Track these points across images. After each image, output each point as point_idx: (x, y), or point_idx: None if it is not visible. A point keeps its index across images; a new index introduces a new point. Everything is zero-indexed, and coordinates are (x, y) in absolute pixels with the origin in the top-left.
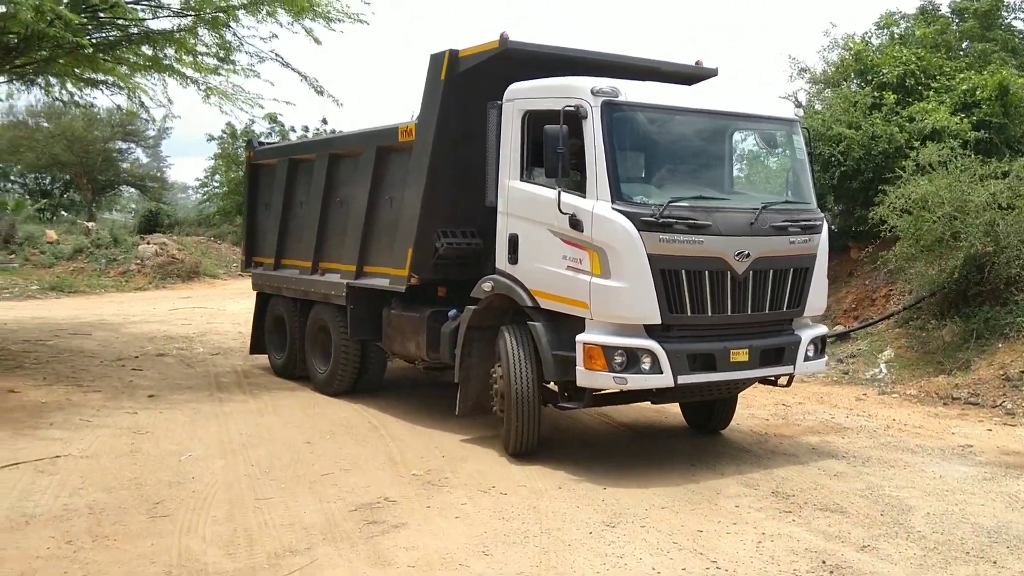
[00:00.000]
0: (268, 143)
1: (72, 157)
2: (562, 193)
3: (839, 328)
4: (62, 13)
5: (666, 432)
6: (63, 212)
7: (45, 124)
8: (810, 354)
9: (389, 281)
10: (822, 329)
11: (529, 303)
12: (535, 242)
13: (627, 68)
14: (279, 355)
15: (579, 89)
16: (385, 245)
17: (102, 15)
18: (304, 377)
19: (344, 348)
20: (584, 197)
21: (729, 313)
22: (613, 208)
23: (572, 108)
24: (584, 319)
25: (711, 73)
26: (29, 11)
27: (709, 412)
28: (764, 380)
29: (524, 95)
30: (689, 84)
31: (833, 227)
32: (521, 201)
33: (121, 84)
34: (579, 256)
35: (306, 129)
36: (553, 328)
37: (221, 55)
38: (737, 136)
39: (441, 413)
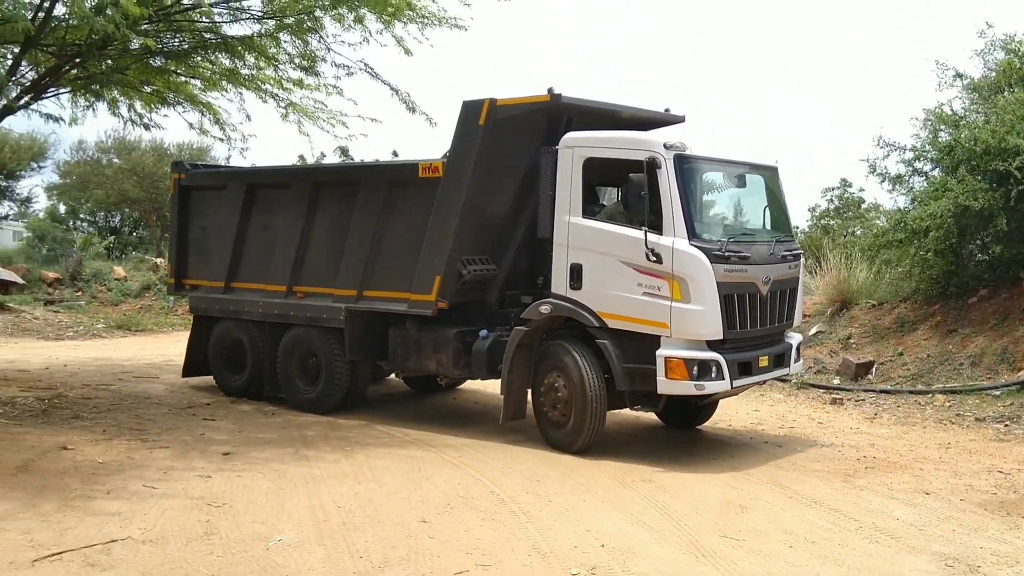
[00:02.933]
0: (200, 166)
1: (141, 193)
2: (648, 232)
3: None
4: (121, 2)
5: (643, 428)
6: (131, 249)
7: (116, 160)
8: (796, 358)
9: (407, 305)
10: (799, 337)
11: (596, 324)
12: (604, 271)
13: (620, 116)
14: (234, 377)
15: (653, 143)
16: (395, 271)
17: (176, 17)
18: (273, 398)
19: (337, 368)
20: (661, 235)
21: (758, 327)
22: (691, 244)
23: (648, 159)
24: (656, 336)
25: (679, 119)
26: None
27: (693, 412)
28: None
29: (586, 143)
30: (655, 128)
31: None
32: (586, 235)
33: (193, 102)
34: (657, 284)
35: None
36: (619, 345)
37: (305, 65)
38: (751, 181)
39: (552, 468)
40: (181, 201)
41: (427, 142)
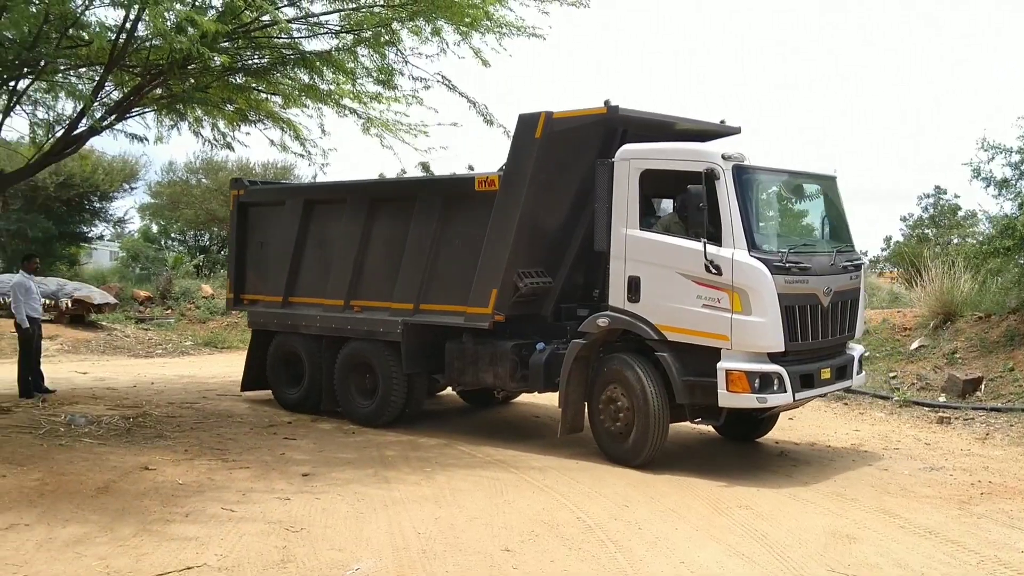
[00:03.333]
0: (258, 183)
1: (229, 211)
2: (706, 244)
3: None
4: (196, 19)
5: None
6: (220, 267)
7: (203, 180)
8: (858, 370)
9: (464, 319)
10: (861, 349)
11: (655, 337)
12: (662, 284)
13: (674, 128)
14: (292, 391)
15: (711, 154)
16: (452, 284)
17: (254, 33)
18: (330, 412)
19: (394, 381)
20: (720, 246)
21: (820, 339)
22: (751, 255)
23: (707, 170)
24: (715, 349)
25: (735, 131)
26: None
27: (754, 425)
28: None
29: (642, 155)
30: (712, 139)
31: None
32: (644, 248)
33: (273, 118)
34: (717, 296)
35: None
36: (678, 358)
37: (383, 78)
38: (809, 190)
39: (641, 493)
40: (240, 217)
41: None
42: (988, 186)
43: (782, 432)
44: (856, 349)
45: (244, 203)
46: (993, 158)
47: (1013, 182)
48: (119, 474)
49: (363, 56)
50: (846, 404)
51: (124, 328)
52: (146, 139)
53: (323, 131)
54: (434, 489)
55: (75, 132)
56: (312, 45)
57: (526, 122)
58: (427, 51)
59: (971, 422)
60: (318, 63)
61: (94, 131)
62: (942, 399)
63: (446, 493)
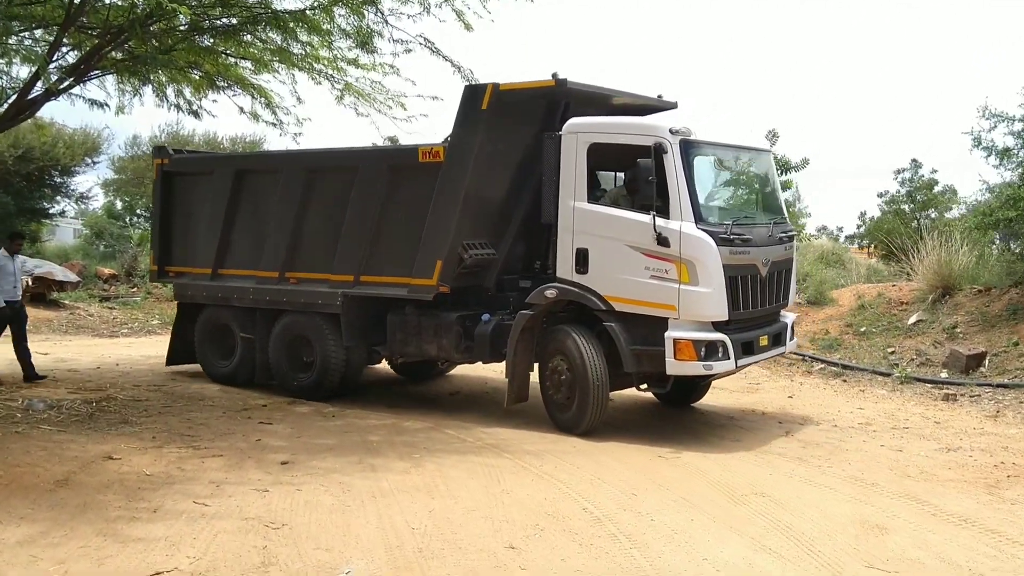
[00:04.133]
0: (184, 151)
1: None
2: (655, 217)
3: None
4: None
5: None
6: None
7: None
8: (791, 336)
9: (408, 290)
10: (793, 316)
11: (602, 307)
12: (610, 255)
13: (612, 101)
14: (223, 363)
15: (659, 128)
16: (394, 256)
17: None
18: (264, 385)
19: (333, 354)
20: (668, 219)
21: (759, 308)
22: (698, 228)
23: (655, 144)
24: (661, 319)
25: (672, 105)
26: None
27: (690, 389)
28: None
29: (590, 129)
30: (646, 114)
31: None
32: (592, 220)
33: (243, 85)
34: (664, 267)
35: None
36: (626, 328)
37: (361, 40)
38: (747, 164)
39: (647, 479)
40: (164, 187)
41: None
42: (989, 155)
43: (782, 410)
44: (788, 316)
45: (169, 172)
46: (995, 127)
47: (1016, 151)
48: (80, 465)
49: (340, 16)
50: (844, 381)
51: (88, 307)
52: (107, 105)
53: (298, 99)
54: (425, 478)
55: (29, 96)
56: (285, 3)
57: (473, 93)
58: (409, 11)
59: (978, 399)
60: (292, 23)
61: (50, 94)
62: (944, 375)
63: (438, 482)
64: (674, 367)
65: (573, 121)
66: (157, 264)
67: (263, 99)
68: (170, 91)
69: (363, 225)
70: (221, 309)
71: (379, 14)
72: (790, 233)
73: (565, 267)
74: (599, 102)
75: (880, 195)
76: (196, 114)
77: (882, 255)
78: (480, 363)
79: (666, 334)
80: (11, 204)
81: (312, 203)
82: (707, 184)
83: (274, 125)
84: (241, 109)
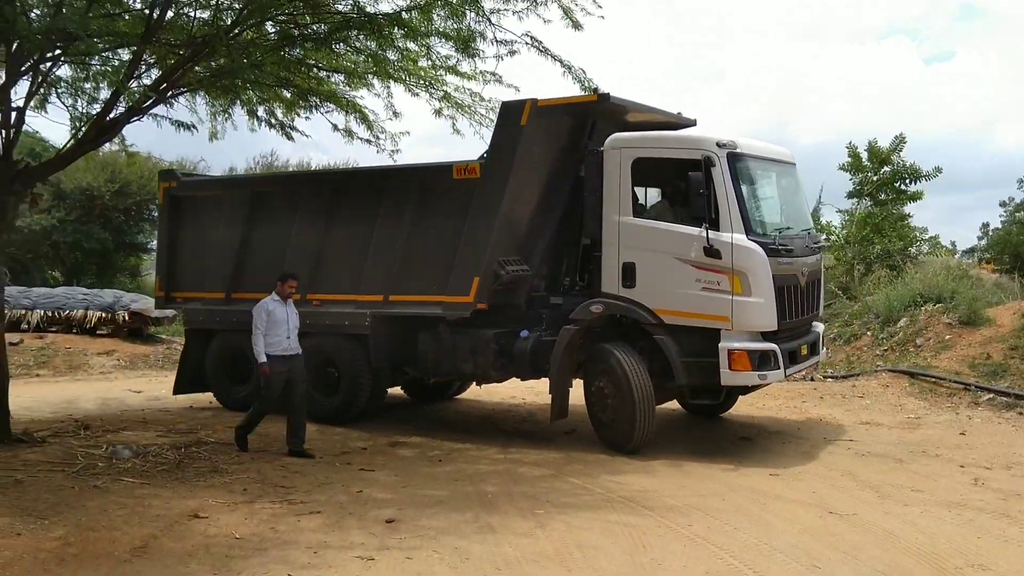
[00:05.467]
0: (191, 175)
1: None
2: (708, 229)
3: None
4: None
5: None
6: None
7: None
8: (823, 346)
9: (443, 308)
10: (822, 326)
11: (652, 320)
12: (659, 269)
13: (624, 117)
14: (238, 389)
15: (707, 142)
16: (426, 274)
17: None
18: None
19: (360, 376)
20: (718, 231)
21: (799, 317)
22: (749, 239)
23: (704, 158)
24: (711, 330)
25: (692, 123)
26: None
27: (723, 401)
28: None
29: (634, 144)
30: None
31: None
32: (639, 234)
33: (336, 101)
34: (716, 279)
35: None
36: (676, 340)
37: (461, 45)
38: (781, 176)
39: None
40: (171, 211)
41: None
42: None
43: (958, 451)
44: (818, 326)
45: (177, 196)
46: None
47: None
48: (162, 526)
49: (438, 17)
50: (1021, 415)
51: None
52: (194, 128)
53: (394, 113)
54: (555, 542)
55: (110, 116)
56: (380, 7)
57: (512, 109)
58: (514, 7)
59: None
60: (387, 27)
61: (132, 113)
62: None
63: (572, 549)
64: (729, 377)
65: (617, 136)
66: (164, 290)
67: (357, 115)
68: (261, 111)
69: (392, 244)
70: (236, 335)
71: (481, 12)
72: (820, 244)
73: (611, 282)
74: (618, 118)
75: (1003, 203)
76: (289, 135)
77: (1006, 269)
78: (491, 383)
79: (720, 345)
80: (110, 240)
81: (336, 223)
82: (750, 196)
83: (369, 142)
84: (335, 127)
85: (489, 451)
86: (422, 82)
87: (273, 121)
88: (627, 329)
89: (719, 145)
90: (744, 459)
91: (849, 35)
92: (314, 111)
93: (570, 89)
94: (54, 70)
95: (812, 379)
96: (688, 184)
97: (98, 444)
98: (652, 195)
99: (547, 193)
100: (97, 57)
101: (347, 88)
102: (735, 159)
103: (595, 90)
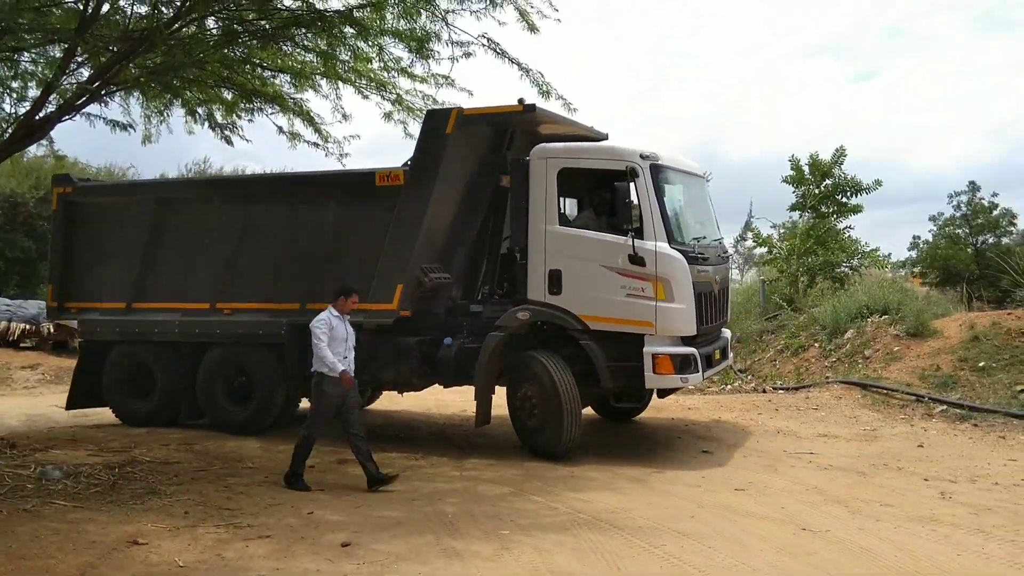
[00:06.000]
0: (89, 180)
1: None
2: (633, 238)
3: None
4: None
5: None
6: None
7: None
8: (731, 351)
9: (364, 316)
10: (729, 332)
11: (578, 326)
12: (585, 276)
13: (536, 129)
14: (139, 404)
15: (631, 153)
16: (350, 281)
17: None
18: (188, 424)
19: (275, 386)
20: (642, 239)
21: (713, 323)
22: (672, 247)
23: (628, 168)
24: (635, 335)
25: (603, 136)
26: None
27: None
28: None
29: (560, 154)
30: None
31: None
32: (565, 243)
33: (280, 103)
34: (641, 286)
35: None
36: (600, 345)
37: (415, 46)
38: (694, 187)
39: (804, 564)
40: (65, 218)
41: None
42: None
43: (919, 463)
44: (726, 332)
45: (73, 202)
46: None
47: None
48: (100, 553)
49: (392, 17)
50: (976, 426)
51: None
52: (132, 128)
53: (343, 116)
54: (524, 568)
55: (40, 115)
56: (330, 4)
57: (437, 117)
58: (471, 6)
59: None
60: (339, 23)
61: (64, 111)
62: None
63: (543, 574)
64: (653, 381)
65: (543, 146)
66: (56, 300)
67: (304, 118)
68: (200, 112)
69: (312, 251)
70: (136, 345)
71: (436, 12)
72: (727, 253)
73: (537, 289)
74: (533, 129)
75: (932, 218)
76: (228, 139)
77: (936, 282)
78: (412, 390)
79: (644, 349)
80: (33, 248)
81: (251, 230)
82: (670, 206)
83: (317, 145)
84: (280, 129)
85: (444, 468)
86: (373, 84)
87: (213, 123)
88: (548, 336)
89: (642, 157)
90: (707, 474)
91: (779, 53)
92: (256, 114)
93: (525, 93)
94: None
95: (764, 391)
96: (614, 194)
97: (25, 464)
98: (571, 205)
99: (467, 202)
100: (27, 54)
101: (293, 89)
102: (657, 170)
103: (520, 100)
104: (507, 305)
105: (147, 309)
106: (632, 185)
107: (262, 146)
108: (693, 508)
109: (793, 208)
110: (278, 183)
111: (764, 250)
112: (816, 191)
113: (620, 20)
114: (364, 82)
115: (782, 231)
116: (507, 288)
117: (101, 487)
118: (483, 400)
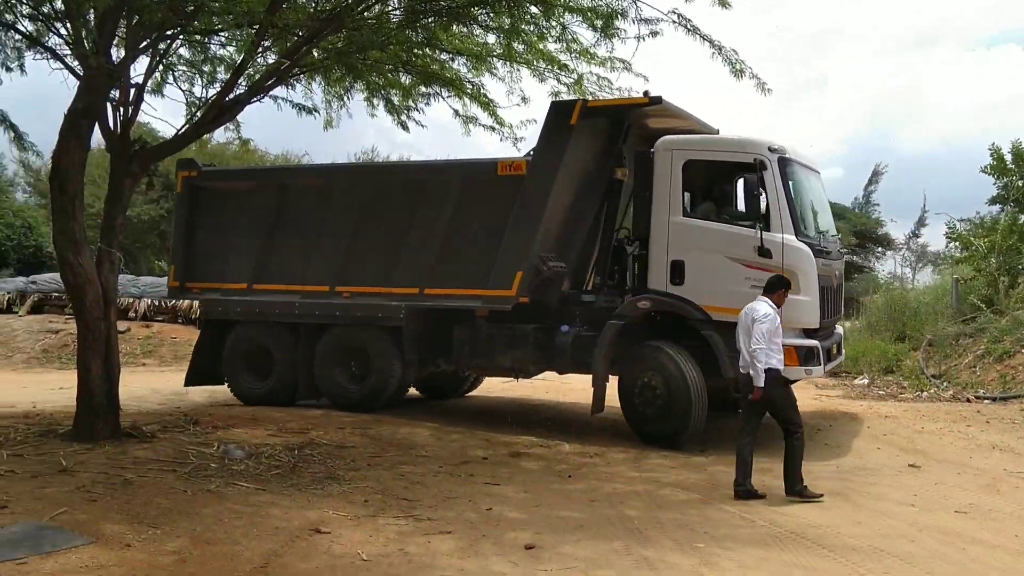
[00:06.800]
0: (212, 166)
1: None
2: (762, 230)
3: None
4: None
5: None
6: None
7: None
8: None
9: (482, 302)
10: (841, 329)
11: (700, 316)
12: (708, 267)
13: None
14: (257, 384)
15: (759, 145)
16: (465, 268)
17: None
18: (303, 404)
19: (391, 367)
20: (769, 231)
21: (832, 317)
22: (799, 240)
23: (757, 161)
24: None
25: (715, 131)
26: None
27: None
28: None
29: (686, 146)
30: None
31: None
32: (689, 234)
33: (457, 87)
34: (766, 278)
35: None
36: (723, 336)
37: (599, 24)
38: (815, 182)
39: None
40: (191, 201)
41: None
42: None
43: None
44: (839, 328)
45: (197, 185)
46: None
47: None
48: (284, 541)
49: None
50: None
51: None
52: (316, 111)
53: (522, 98)
54: None
55: (230, 97)
56: None
57: (562, 108)
58: None
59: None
60: (523, 2)
61: (254, 92)
62: None
63: None
64: None
65: (668, 138)
66: (178, 280)
67: (479, 102)
68: (378, 100)
69: (430, 238)
70: (256, 325)
71: None
72: (843, 248)
73: (659, 279)
74: (643, 123)
75: None
76: (404, 125)
77: None
78: (527, 377)
79: None
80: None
81: (371, 217)
82: (796, 200)
83: (492, 129)
84: (455, 112)
85: (620, 467)
86: (554, 65)
87: (390, 107)
88: (663, 326)
89: (771, 150)
90: (919, 491)
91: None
92: (433, 99)
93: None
94: (173, 47)
95: (968, 400)
96: (745, 185)
97: (209, 442)
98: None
99: (583, 193)
100: (216, 37)
101: (470, 73)
102: (784, 163)
103: (646, 93)
104: (617, 295)
105: (266, 291)
106: (762, 177)
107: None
108: (910, 530)
109: (994, 201)
110: (401, 171)
111: (954, 247)
112: (1021, 183)
113: (781, 11)
114: (543, 64)
115: (972, 226)
116: (617, 279)
117: (282, 469)
118: (600, 387)
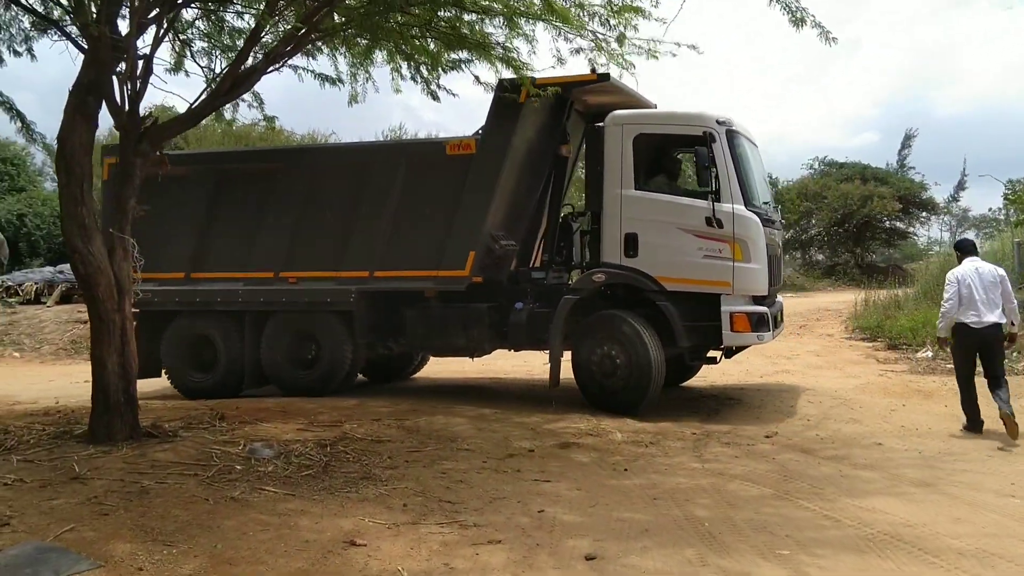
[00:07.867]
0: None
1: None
2: (713, 201)
3: None
4: None
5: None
6: None
7: None
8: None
9: (435, 283)
10: (781, 298)
11: (654, 288)
12: (661, 239)
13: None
14: (201, 376)
15: (707, 119)
16: (416, 249)
17: None
18: (249, 394)
19: (343, 352)
20: (719, 202)
21: (775, 284)
22: (748, 209)
23: (706, 134)
24: (710, 295)
25: (653, 105)
26: None
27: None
28: None
29: (636, 121)
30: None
31: None
32: (641, 206)
33: (484, 51)
34: (718, 247)
35: None
36: (676, 306)
37: None
38: (755, 153)
39: None
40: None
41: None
42: None
43: None
44: (779, 298)
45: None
46: None
47: None
48: (315, 557)
49: None
50: None
51: None
52: (340, 81)
53: (559, 59)
54: None
55: (245, 66)
56: None
57: (511, 86)
58: None
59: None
60: None
61: (270, 61)
62: None
63: None
64: (731, 338)
65: (618, 113)
66: None
67: (512, 67)
68: (405, 68)
69: (379, 220)
70: (197, 315)
71: None
72: (782, 220)
73: (613, 252)
74: (583, 98)
75: None
76: (435, 95)
77: None
78: (482, 355)
79: (723, 308)
80: None
81: (316, 200)
82: (742, 170)
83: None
84: (477, 79)
85: (680, 457)
86: (596, 19)
87: (418, 77)
88: (617, 299)
89: (719, 122)
90: (1016, 478)
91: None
92: (461, 68)
93: (776, 20)
94: (186, 20)
95: None
96: (696, 158)
97: (235, 440)
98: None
99: (530, 171)
100: (232, 5)
101: (502, 36)
102: (732, 136)
103: (593, 69)
104: (564, 271)
105: (206, 279)
106: (711, 149)
107: (451, 114)
108: (1019, 528)
109: None
110: (346, 153)
111: (1014, 211)
112: None
113: None
114: (586, 17)
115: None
116: (564, 255)
117: (313, 469)
118: (556, 362)
